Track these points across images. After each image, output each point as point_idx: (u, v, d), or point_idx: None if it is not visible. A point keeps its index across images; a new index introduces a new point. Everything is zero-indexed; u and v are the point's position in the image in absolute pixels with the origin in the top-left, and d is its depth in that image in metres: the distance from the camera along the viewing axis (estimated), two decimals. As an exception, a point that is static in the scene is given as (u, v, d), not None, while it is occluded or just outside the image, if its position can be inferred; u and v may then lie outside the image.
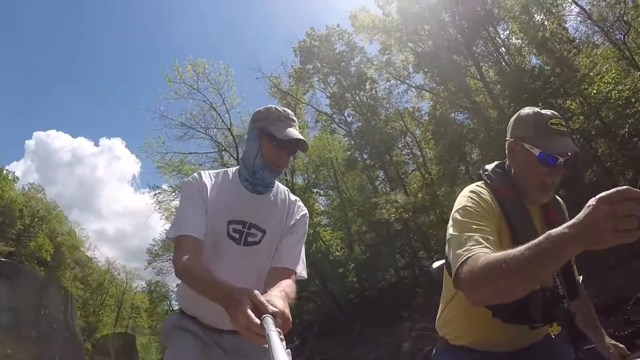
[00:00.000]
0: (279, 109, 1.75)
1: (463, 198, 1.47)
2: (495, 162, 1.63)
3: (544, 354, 1.54)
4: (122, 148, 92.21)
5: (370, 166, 21.68)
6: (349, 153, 22.16)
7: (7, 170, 39.12)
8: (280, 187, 1.90)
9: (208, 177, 1.77)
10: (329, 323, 21.12)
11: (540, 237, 1.02)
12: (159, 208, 23.53)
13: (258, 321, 1.09)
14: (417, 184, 21.16)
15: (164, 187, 24.05)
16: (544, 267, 1.04)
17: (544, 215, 1.56)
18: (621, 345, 1.68)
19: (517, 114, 1.55)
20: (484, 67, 18.59)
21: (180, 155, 22.78)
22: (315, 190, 24.04)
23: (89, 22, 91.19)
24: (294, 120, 1.76)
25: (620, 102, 12.86)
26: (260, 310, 1.13)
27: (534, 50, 17.61)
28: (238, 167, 1.85)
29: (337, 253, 22.58)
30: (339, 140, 22.86)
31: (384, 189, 21.65)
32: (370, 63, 22.68)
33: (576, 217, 0.97)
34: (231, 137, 23.07)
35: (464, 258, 1.21)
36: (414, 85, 21.82)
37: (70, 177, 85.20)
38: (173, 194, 23.68)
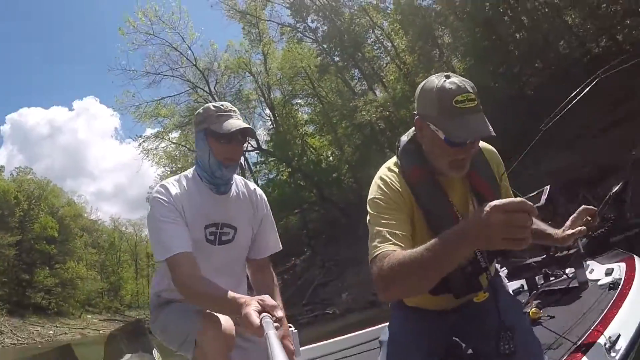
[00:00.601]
0: (216, 104, 1.77)
1: (373, 187, 1.44)
2: (410, 134, 1.52)
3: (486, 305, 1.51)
4: (97, 105, 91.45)
5: (343, 67, 21.38)
6: (319, 59, 21.73)
7: (-11, 163, 38.73)
8: (237, 179, 1.95)
9: (173, 187, 1.75)
10: (333, 228, 21.87)
11: (437, 239, 1.06)
12: (147, 155, 23.65)
13: (258, 322, 1.21)
14: (394, 76, 21.00)
15: (148, 133, 24.11)
16: (442, 267, 1.09)
17: (468, 183, 1.49)
18: (570, 223, 1.56)
19: (421, 84, 1.39)
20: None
21: (153, 102, 22.71)
22: (295, 101, 23.91)
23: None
24: (234, 111, 1.78)
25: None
26: (260, 310, 1.28)
27: None
28: (194, 168, 1.86)
29: (330, 158, 22.92)
30: (308, 48, 22.35)
31: (361, 88, 21.53)
32: (324, -39, 21.62)
33: (469, 219, 1.03)
34: (199, 72, 22.83)
35: (372, 256, 1.26)
36: (373, -24, 20.93)
37: (54, 148, 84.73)
38: (157, 138, 23.75)
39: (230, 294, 1.45)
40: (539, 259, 2.97)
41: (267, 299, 1.34)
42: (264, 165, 22.87)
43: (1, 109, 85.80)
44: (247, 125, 1.74)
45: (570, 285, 2.60)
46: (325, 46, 21.71)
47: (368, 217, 1.39)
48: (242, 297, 1.40)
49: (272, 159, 22.07)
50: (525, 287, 2.91)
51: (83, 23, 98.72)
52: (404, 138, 1.52)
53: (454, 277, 1.37)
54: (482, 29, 15.53)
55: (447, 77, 1.31)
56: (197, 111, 1.84)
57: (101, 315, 41.55)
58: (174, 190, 1.73)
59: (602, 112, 10.29)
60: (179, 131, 23.72)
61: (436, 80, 1.32)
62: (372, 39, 22.09)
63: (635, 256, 2.68)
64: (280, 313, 1.30)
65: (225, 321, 1.60)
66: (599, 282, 2.39)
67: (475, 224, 0.98)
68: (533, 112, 12.06)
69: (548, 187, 3.06)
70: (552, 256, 2.93)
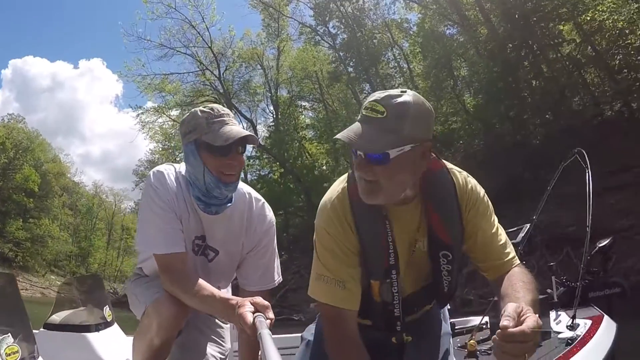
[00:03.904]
0: (205, 109, 1.51)
1: (321, 210, 1.31)
2: None
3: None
4: (103, 69, 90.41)
5: (355, 79, 21.13)
6: (333, 66, 21.51)
7: (-18, 105, 38.10)
8: (240, 193, 1.68)
9: (172, 182, 1.57)
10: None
11: None
12: (143, 129, 23.34)
13: (251, 321, 1.19)
14: (403, 98, 20.79)
15: (148, 105, 23.92)
16: None
17: (424, 214, 1.28)
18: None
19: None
20: (475, -19, 17.57)
21: (161, 76, 22.44)
22: (301, 103, 23.73)
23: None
24: (227, 114, 1.52)
25: (613, 32, 12.29)
26: (253, 311, 1.25)
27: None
28: (187, 174, 1.60)
29: (324, 167, 22.71)
30: (323, 52, 22.14)
31: (369, 103, 21.29)
32: (356, -30, 21.40)
33: None
34: (212, 55, 22.63)
35: (318, 300, 1.26)
36: (402, -5, 20.77)
37: (51, 102, 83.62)
38: (157, 113, 23.46)
39: (222, 295, 1.40)
40: None
41: (259, 299, 1.28)
42: (257, 160, 22.57)
43: (6, 53, 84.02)
44: (248, 132, 1.49)
45: None
46: (341, 54, 21.48)
47: (315, 243, 1.30)
48: (234, 299, 1.35)
49: (267, 156, 21.75)
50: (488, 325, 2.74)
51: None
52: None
53: (375, 312, 1.34)
54: (500, 69, 15.27)
55: (404, 91, 1.14)
56: (183, 119, 1.59)
57: (65, 278, 40.89)
58: (170, 184, 1.56)
59: (600, 176, 10.20)
60: (179, 109, 23.43)
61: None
62: (389, 57, 21.91)
63: (605, 316, 2.59)
64: (272, 314, 1.24)
65: (177, 308, 1.49)
66: (559, 335, 2.32)
67: None
68: (533, 163, 11.95)
69: (528, 225, 2.98)
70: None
